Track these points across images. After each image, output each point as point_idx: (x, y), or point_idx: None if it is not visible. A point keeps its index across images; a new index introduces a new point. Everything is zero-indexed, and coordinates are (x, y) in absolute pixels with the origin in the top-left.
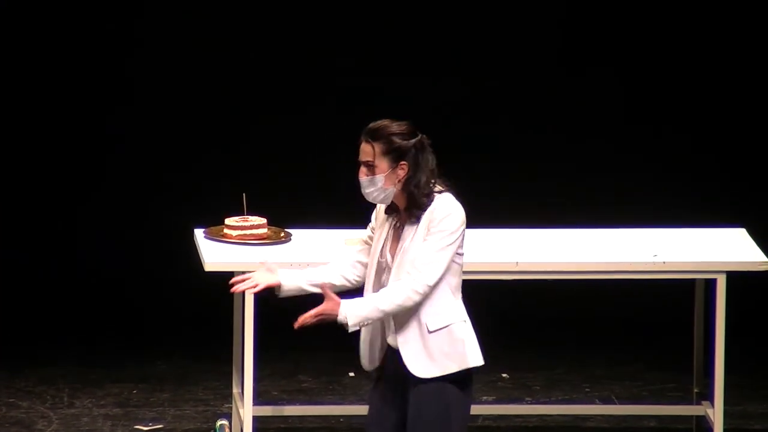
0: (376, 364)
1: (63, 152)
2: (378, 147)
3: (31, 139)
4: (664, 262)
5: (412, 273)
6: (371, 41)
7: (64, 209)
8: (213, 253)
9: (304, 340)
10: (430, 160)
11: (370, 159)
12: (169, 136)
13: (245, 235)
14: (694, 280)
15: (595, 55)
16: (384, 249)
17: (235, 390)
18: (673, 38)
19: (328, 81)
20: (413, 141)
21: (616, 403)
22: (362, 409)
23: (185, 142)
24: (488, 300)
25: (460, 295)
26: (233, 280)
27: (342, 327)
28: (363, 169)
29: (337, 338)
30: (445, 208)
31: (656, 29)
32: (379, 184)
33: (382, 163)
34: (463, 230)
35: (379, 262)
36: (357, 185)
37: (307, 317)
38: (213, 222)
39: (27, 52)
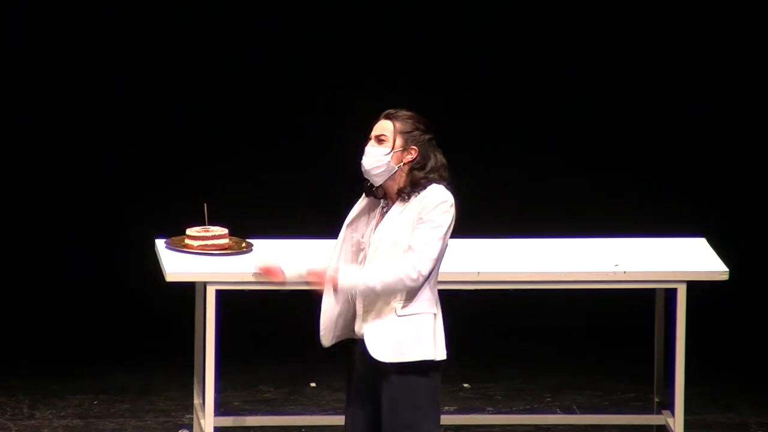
0: (332, 342)
1: (19, 162)
2: (398, 125)
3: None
4: (624, 272)
5: (408, 259)
6: (337, 53)
7: (20, 219)
8: (174, 264)
9: (266, 351)
10: (439, 158)
11: (385, 134)
12: (135, 147)
13: (206, 245)
14: (654, 289)
15: (554, 66)
16: (369, 233)
17: (197, 401)
18: (635, 46)
19: (293, 90)
20: (429, 136)
21: (577, 413)
22: (324, 420)
23: (147, 153)
24: (449, 310)
25: (436, 286)
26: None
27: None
28: (373, 142)
29: (299, 349)
30: (438, 196)
31: (620, 38)
32: (386, 157)
33: (397, 141)
34: (454, 219)
35: (358, 242)
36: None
37: (294, 276)
38: (174, 232)
39: (26, 60)
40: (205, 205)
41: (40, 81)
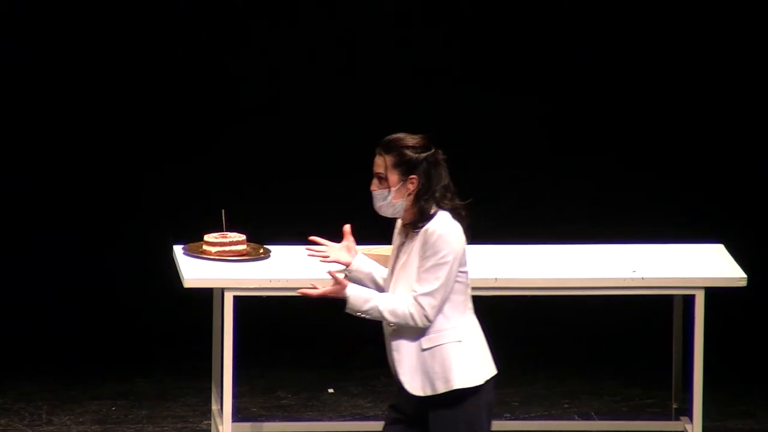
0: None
1: (40, 164)
2: (389, 159)
3: (11, 150)
4: (642, 278)
5: (413, 304)
6: (338, 58)
7: (41, 224)
8: (192, 270)
9: (284, 357)
10: (443, 175)
11: (381, 171)
12: (150, 152)
13: (224, 251)
14: (672, 295)
15: (570, 72)
16: (392, 262)
17: (214, 406)
18: (662, 50)
19: (303, 97)
20: (425, 155)
21: (595, 419)
22: (342, 426)
23: (166, 159)
24: None
25: (466, 312)
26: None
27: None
28: (375, 181)
29: (317, 355)
30: (437, 229)
31: (648, 41)
32: (389, 198)
33: (393, 176)
34: (460, 248)
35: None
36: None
37: (310, 293)
38: (192, 238)
39: (29, 62)
40: (223, 211)
41: (38, 85)
